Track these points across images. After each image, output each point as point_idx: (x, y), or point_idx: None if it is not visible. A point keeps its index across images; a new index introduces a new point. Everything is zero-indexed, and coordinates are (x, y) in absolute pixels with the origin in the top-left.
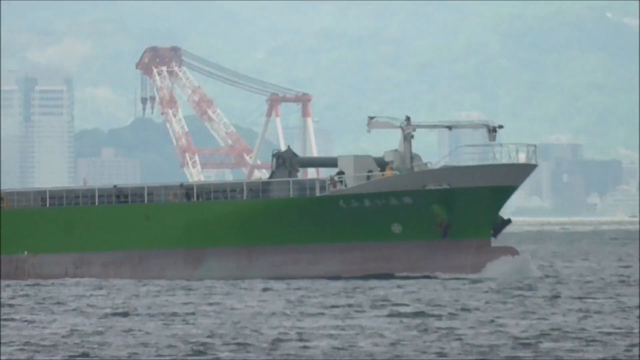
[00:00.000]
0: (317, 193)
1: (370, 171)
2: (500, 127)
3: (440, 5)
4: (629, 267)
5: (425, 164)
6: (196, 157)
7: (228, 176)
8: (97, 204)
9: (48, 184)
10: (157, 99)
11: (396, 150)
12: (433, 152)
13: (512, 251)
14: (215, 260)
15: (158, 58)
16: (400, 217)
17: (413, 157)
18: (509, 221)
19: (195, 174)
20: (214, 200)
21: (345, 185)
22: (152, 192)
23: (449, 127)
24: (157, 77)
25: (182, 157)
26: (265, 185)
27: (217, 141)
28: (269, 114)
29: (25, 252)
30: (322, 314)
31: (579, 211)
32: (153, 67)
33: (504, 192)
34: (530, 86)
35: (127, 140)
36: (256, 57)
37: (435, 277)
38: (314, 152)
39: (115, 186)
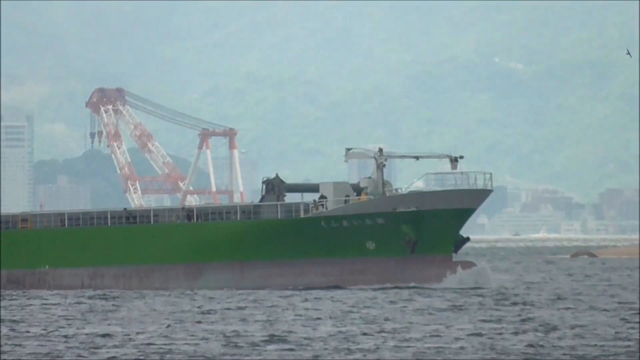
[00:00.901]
0: (302, 215)
1: (348, 196)
2: (461, 157)
3: (351, 52)
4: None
5: (397, 190)
6: (137, 184)
7: (166, 201)
8: (109, 224)
9: (11, 208)
10: (104, 133)
11: (370, 177)
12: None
13: (470, 264)
14: (212, 273)
15: (105, 98)
16: (374, 236)
17: (385, 183)
18: (467, 239)
19: (136, 199)
20: (211, 221)
21: (326, 208)
22: (158, 214)
23: (416, 158)
24: (104, 115)
25: (125, 184)
26: (256, 208)
27: (156, 170)
28: (200, 147)
29: (47, 266)
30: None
31: (470, 231)
32: (100, 106)
33: (465, 214)
34: (428, 122)
35: (79, 169)
36: (192, 97)
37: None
38: (239, 179)
39: (125, 209)
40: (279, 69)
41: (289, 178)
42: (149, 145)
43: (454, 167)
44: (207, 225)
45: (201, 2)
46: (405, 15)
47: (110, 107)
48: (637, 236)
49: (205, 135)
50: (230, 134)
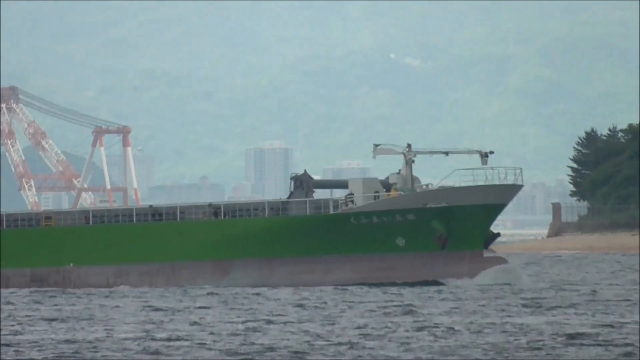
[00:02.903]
0: (331, 211)
1: (377, 192)
2: (492, 152)
3: (248, 48)
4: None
5: (426, 185)
6: (32, 182)
7: (64, 198)
8: (134, 221)
9: None
10: None
11: (399, 173)
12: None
13: (502, 261)
14: (239, 270)
15: None
16: (404, 232)
17: (413, 179)
18: (498, 234)
19: (31, 196)
20: (239, 218)
21: (355, 204)
22: (184, 210)
23: (446, 153)
24: None
25: (20, 182)
26: (284, 205)
27: (50, 168)
28: (94, 144)
29: (71, 264)
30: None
31: None
32: None
33: (495, 209)
34: (325, 118)
35: None
36: (88, 95)
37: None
38: (134, 177)
39: (151, 206)
40: (175, 66)
41: (187, 176)
42: (43, 143)
43: (484, 162)
44: (234, 221)
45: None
46: (301, 11)
47: (3, 105)
48: (533, 231)
49: (99, 132)
50: (124, 132)
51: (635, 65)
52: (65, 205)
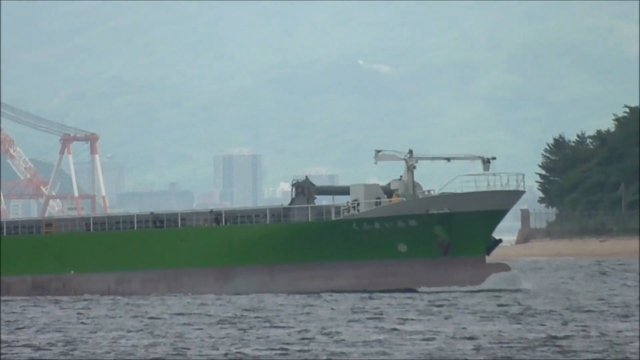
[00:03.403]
0: (333, 217)
1: (379, 198)
2: (494, 158)
3: (216, 55)
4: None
5: (429, 191)
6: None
7: (33, 206)
8: (135, 228)
9: None
10: None
11: (401, 179)
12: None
13: (505, 267)
14: (242, 277)
15: None
16: (406, 238)
17: (415, 185)
18: (500, 241)
19: None
20: (240, 225)
21: (358, 210)
22: (185, 217)
23: (448, 159)
24: None
25: None
26: (286, 211)
27: (18, 175)
28: (62, 152)
29: (72, 271)
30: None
31: None
32: None
33: (497, 215)
34: (293, 125)
35: None
36: (57, 102)
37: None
38: (102, 184)
39: (152, 213)
40: (144, 74)
41: (156, 183)
42: (11, 150)
43: (486, 168)
44: (236, 228)
45: (64, 6)
46: (268, 17)
47: None
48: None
49: (66, 140)
50: (91, 139)
51: (600, 71)
52: (34, 213)
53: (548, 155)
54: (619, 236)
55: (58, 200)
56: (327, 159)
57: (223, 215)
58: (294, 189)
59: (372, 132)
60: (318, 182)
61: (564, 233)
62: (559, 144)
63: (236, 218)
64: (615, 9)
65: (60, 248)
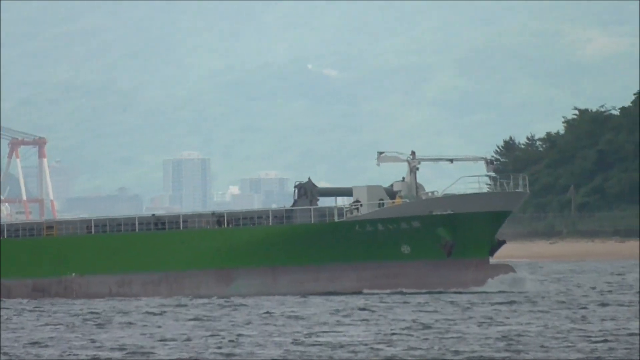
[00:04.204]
0: (336, 219)
1: (382, 199)
2: (497, 160)
3: (165, 59)
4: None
5: (432, 193)
6: None
7: None
8: (137, 230)
9: None
10: None
11: (404, 180)
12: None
13: (509, 269)
14: (244, 279)
15: None
16: (409, 239)
17: (418, 186)
18: (503, 242)
19: None
20: (242, 227)
21: (360, 212)
22: (187, 219)
23: (451, 160)
24: None
25: None
26: (289, 213)
27: None
28: (10, 156)
29: (73, 274)
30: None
31: None
32: None
33: (501, 217)
34: (242, 129)
35: None
36: (6, 107)
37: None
38: (50, 188)
39: (153, 215)
40: (92, 78)
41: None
42: None
43: (489, 169)
44: (238, 230)
45: (12, 11)
46: (217, 21)
47: None
48: None
49: (14, 144)
50: (39, 143)
51: (549, 74)
52: None
53: (498, 157)
54: (568, 238)
55: (7, 204)
56: (277, 162)
57: (225, 217)
58: (296, 191)
59: (322, 136)
60: (267, 186)
61: (513, 235)
62: (508, 146)
63: (238, 220)
64: (562, 13)
65: (61, 250)
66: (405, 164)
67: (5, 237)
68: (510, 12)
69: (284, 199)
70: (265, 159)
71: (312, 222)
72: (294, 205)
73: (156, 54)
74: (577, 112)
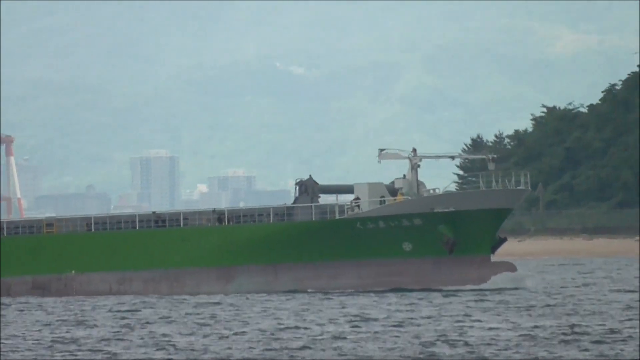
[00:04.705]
0: (337, 216)
1: (383, 197)
2: (498, 157)
3: (132, 57)
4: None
5: (434, 190)
6: None
7: None
8: (137, 228)
9: None
10: None
11: (405, 177)
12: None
13: (510, 266)
14: (244, 277)
15: None
16: (411, 237)
17: (419, 184)
18: (505, 239)
19: None
20: (243, 224)
21: (361, 209)
22: (187, 217)
23: (452, 157)
24: None
25: None
26: (290, 210)
27: None
28: None
29: (73, 271)
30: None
31: None
32: None
33: (502, 214)
34: (210, 127)
35: None
36: None
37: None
38: (17, 186)
39: (154, 212)
40: (60, 76)
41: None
42: None
43: (490, 166)
44: (239, 227)
45: None
46: (185, 19)
47: None
48: None
49: None
50: (6, 141)
51: (517, 72)
52: None
53: (466, 155)
54: (536, 236)
55: None
56: (245, 160)
57: (226, 215)
58: (297, 188)
59: (290, 134)
60: (235, 184)
61: None
62: (476, 144)
63: (239, 217)
64: (531, 10)
65: (61, 248)
66: (406, 161)
67: (5, 234)
68: (479, 9)
69: (252, 197)
70: (233, 156)
71: (313, 219)
72: (295, 202)
73: (124, 51)
74: (545, 109)
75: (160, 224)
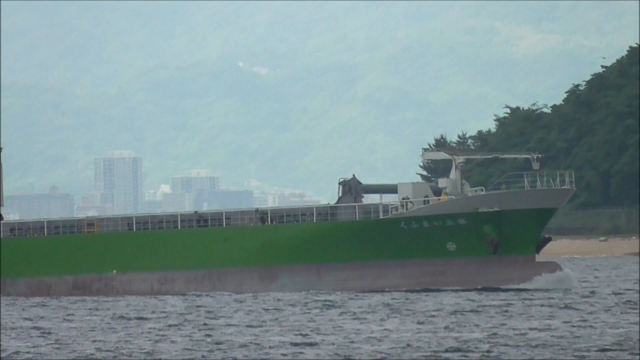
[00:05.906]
0: (381, 216)
1: (427, 196)
2: (542, 156)
3: (95, 57)
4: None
5: (477, 190)
6: None
7: None
8: (179, 227)
9: None
10: None
11: (449, 177)
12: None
13: (555, 266)
14: (287, 276)
15: None
16: (455, 237)
17: (463, 183)
18: (550, 239)
19: None
20: (286, 224)
21: (406, 209)
22: (230, 217)
23: (496, 157)
24: None
25: None
26: (333, 210)
27: None
28: None
29: (114, 271)
30: None
31: None
32: None
33: (547, 214)
34: (173, 127)
35: None
36: None
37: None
38: None
39: (196, 212)
40: (22, 77)
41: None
42: None
43: (535, 166)
44: (282, 227)
45: None
46: (148, 19)
47: None
48: None
49: None
50: None
51: (480, 72)
52: None
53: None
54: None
55: None
56: (208, 161)
57: (269, 214)
58: (340, 188)
59: (253, 134)
60: (198, 185)
61: None
62: (440, 145)
63: (282, 217)
64: (494, 10)
65: (102, 248)
66: (451, 160)
67: (46, 234)
68: (443, 9)
69: (215, 198)
70: (195, 157)
71: (357, 219)
72: (338, 202)
73: (86, 52)
74: (508, 110)
75: (202, 223)
